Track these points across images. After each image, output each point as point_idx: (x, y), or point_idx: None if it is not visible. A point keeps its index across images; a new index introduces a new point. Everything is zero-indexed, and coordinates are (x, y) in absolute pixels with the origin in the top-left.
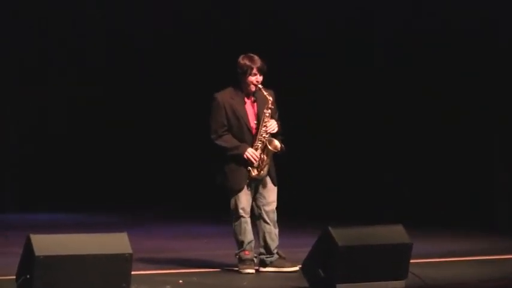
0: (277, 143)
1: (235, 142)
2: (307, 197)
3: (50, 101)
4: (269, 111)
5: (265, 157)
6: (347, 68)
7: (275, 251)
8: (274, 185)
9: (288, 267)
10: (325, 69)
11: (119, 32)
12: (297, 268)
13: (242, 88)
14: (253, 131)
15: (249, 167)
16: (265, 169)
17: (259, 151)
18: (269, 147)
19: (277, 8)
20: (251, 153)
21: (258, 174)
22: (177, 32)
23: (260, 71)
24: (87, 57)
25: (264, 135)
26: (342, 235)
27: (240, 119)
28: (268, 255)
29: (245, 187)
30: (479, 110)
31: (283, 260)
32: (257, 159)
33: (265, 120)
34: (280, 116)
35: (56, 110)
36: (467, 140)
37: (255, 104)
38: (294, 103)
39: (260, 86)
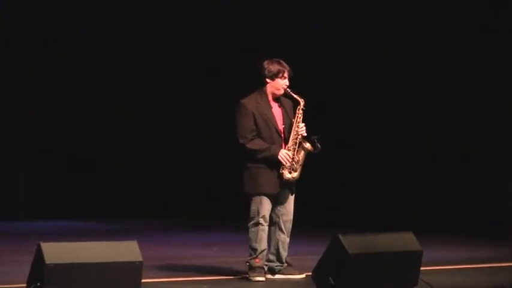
0: (309, 144)
1: (266, 144)
2: (316, 204)
3: (55, 108)
4: (301, 112)
5: (299, 157)
6: (355, 78)
7: (285, 260)
8: (292, 194)
9: (296, 274)
10: (333, 79)
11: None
12: (304, 276)
13: (268, 92)
14: (282, 134)
15: (282, 170)
16: (299, 171)
17: (291, 152)
18: (304, 145)
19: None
20: (284, 154)
21: (291, 177)
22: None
23: (289, 74)
24: (89, 59)
25: (297, 136)
26: (352, 243)
27: (269, 123)
28: (278, 264)
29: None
30: (489, 117)
31: (290, 268)
32: (290, 160)
33: (298, 121)
34: None
35: (62, 115)
36: (478, 147)
37: (281, 107)
38: (309, 113)
39: (289, 89)
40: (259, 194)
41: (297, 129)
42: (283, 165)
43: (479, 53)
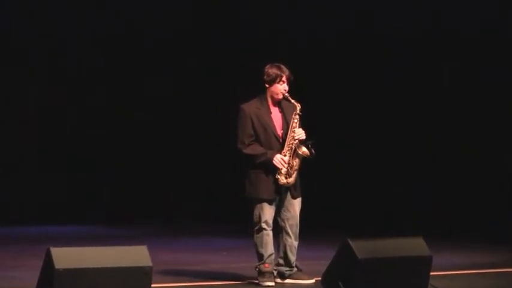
0: (305, 149)
1: (263, 149)
2: (325, 208)
3: (55, 108)
4: (297, 117)
5: (294, 163)
6: (355, 78)
7: (294, 264)
8: (298, 197)
9: (305, 279)
10: (333, 79)
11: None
12: (313, 281)
13: (268, 97)
14: (281, 140)
15: (277, 175)
16: (294, 176)
17: (287, 157)
18: (298, 151)
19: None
20: (279, 158)
21: (286, 182)
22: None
23: (288, 79)
24: (89, 59)
25: (292, 142)
26: (362, 247)
27: (267, 128)
28: (287, 269)
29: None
30: (489, 117)
31: (300, 272)
32: (285, 165)
33: (294, 126)
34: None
35: (62, 115)
36: (478, 147)
37: (281, 112)
38: (309, 113)
39: (287, 94)
40: (259, 200)
41: (292, 134)
42: (279, 170)
43: (479, 53)
